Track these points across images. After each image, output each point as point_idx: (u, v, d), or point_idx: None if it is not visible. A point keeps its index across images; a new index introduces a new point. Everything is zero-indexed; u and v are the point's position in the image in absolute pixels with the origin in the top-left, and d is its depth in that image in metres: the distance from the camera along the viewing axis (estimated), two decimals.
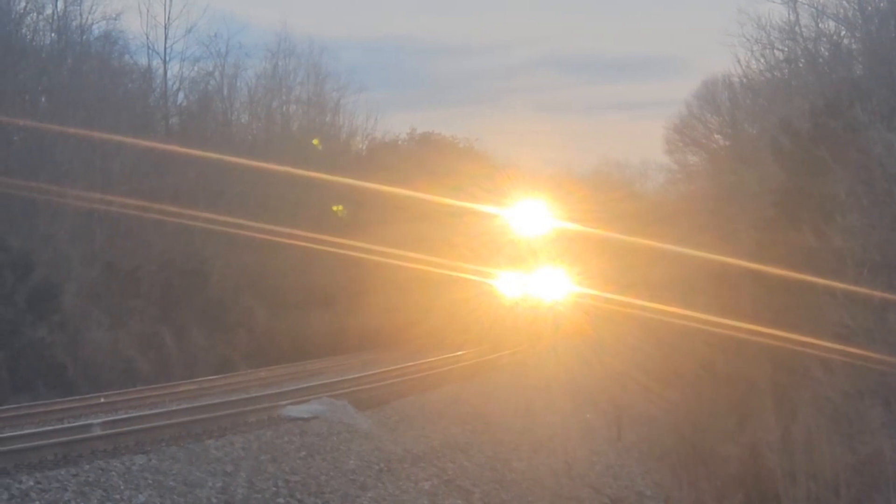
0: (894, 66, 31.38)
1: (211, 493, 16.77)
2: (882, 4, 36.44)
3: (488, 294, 40.44)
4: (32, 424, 20.51)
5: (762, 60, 45.42)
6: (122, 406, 24.25)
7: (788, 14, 42.22)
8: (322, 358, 37.03)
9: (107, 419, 20.67)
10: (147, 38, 45.31)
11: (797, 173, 29.26)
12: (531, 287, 42.16)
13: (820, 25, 40.75)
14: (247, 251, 39.79)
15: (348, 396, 24.88)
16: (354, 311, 38.73)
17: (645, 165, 66.46)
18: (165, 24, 45.50)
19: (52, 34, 42.15)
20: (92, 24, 42.45)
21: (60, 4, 41.31)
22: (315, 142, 44.93)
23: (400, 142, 53.39)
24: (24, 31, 40.69)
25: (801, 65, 42.35)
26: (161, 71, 46.54)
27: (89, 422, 20.20)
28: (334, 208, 42.04)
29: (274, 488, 17.93)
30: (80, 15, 41.97)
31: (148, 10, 48.85)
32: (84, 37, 42.72)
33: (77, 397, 25.85)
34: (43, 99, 41.19)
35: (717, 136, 52.62)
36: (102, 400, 24.92)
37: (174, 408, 22.85)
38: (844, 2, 38.32)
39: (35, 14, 40.95)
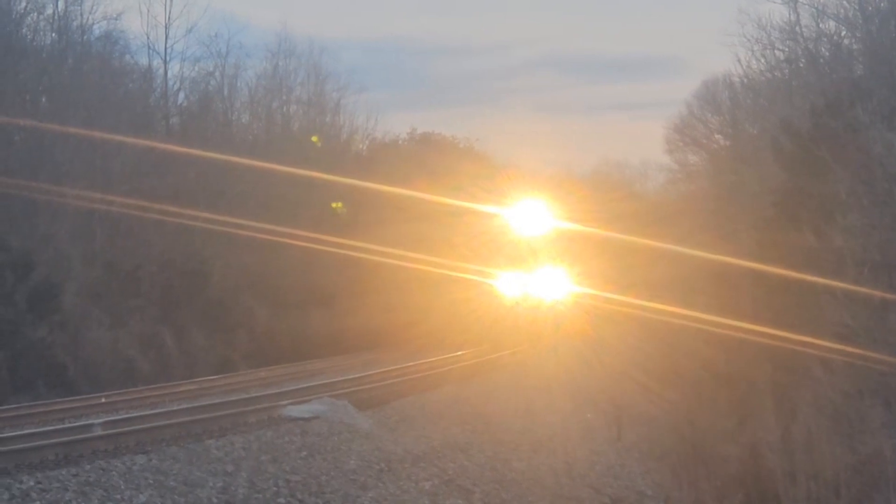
0: (895, 66, 31.38)
1: (211, 493, 16.78)
2: (882, 4, 36.45)
3: (488, 294, 40.45)
4: (33, 424, 20.52)
5: (763, 60, 45.45)
6: (122, 406, 24.26)
7: (789, 14, 42.24)
8: (322, 358, 37.03)
9: (107, 419, 20.68)
10: (147, 38, 45.37)
11: (798, 173, 29.27)
12: (531, 287, 42.16)
13: (820, 25, 40.77)
14: (247, 251, 39.79)
15: (349, 396, 24.89)
16: (355, 311, 38.71)
17: (645, 165, 66.51)
18: (166, 24, 45.55)
19: (53, 34, 42.19)
20: (92, 24, 42.51)
21: (61, 4, 41.38)
22: (314, 139, 44.93)
23: (400, 142, 53.47)
24: (24, 30, 40.68)
25: (801, 65, 42.34)
26: (161, 71, 46.62)
27: (90, 422, 20.21)
28: (333, 205, 42.07)
29: (274, 488, 17.94)
30: (81, 15, 42.03)
31: (148, 10, 48.95)
32: (85, 37, 42.74)
33: (77, 397, 25.84)
34: (43, 99, 41.19)
35: (717, 136, 52.65)
36: (103, 400, 24.92)
37: (175, 408, 22.86)
38: (845, 2, 38.35)
39: (35, 14, 40.99)
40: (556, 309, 41.21)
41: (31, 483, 14.91)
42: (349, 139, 55.78)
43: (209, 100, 48.99)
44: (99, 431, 18.80)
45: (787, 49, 43.43)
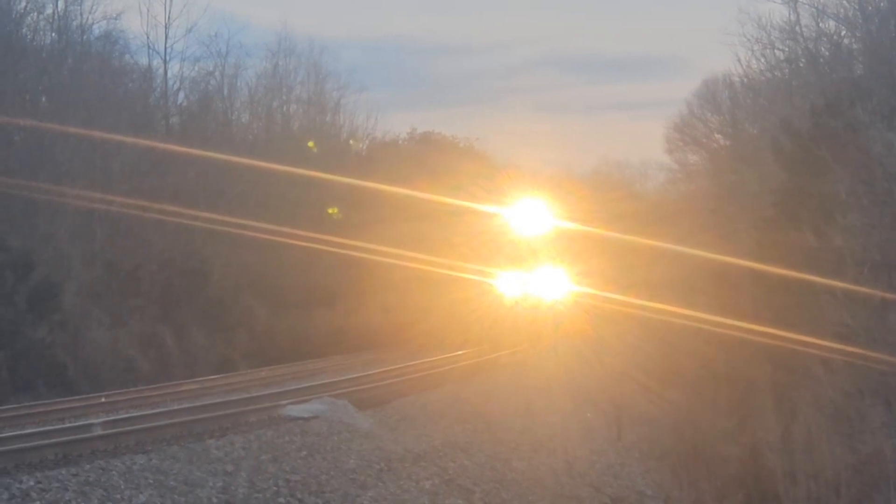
0: (895, 65, 31.39)
1: (212, 493, 16.79)
2: (882, 4, 36.45)
3: (488, 293, 40.42)
4: (33, 424, 20.52)
5: (763, 60, 45.47)
6: (122, 406, 24.25)
7: (789, 14, 42.26)
8: (322, 357, 37.01)
9: (107, 419, 20.69)
10: (147, 37, 45.36)
11: (797, 173, 29.27)
12: (531, 287, 42.14)
13: (820, 25, 40.78)
14: (247, 251, 39.79)
15: (349, 396, 24.89)
16: (355, 311, 38.74)
17: (645, 165, 66.48)
18: (166, 24, 45.53)
19: (53, 34, 42.19)
20: (92, 23, 42.50)
21: (61, 4, 41.38)
22: (310, 144, 44.89)
23: (400, 141, 53.42)
24: (24, 30, 40.69)
25: (801, 64, 42.35)
26: (161, 70, 46.61)
27: (90, 421, 20.21)
28: (329, 210, 42.03)
29: (275, 488, 17.95)
30: (81, 15, 42.03)
31: (148, 10, 48.94)
32: (84, 36, 42.73)
33: (77, 397, 25.85)
34: (43, 98, 41.18)
35: (717, 136, 52.67)
36: (103, 400, 24.92)
37: (175, 407, 22.86)
38: (845, 2, 38.37)
39: (35, 14, 41.00)
40: (556, 308, 41.20)
41: (31, 483, 14.91)
42: (349, 139, 55.78)
43: (209, 99, 48.99)
44: (99, 431, 18.81)
45: (787, 49, 43.48)
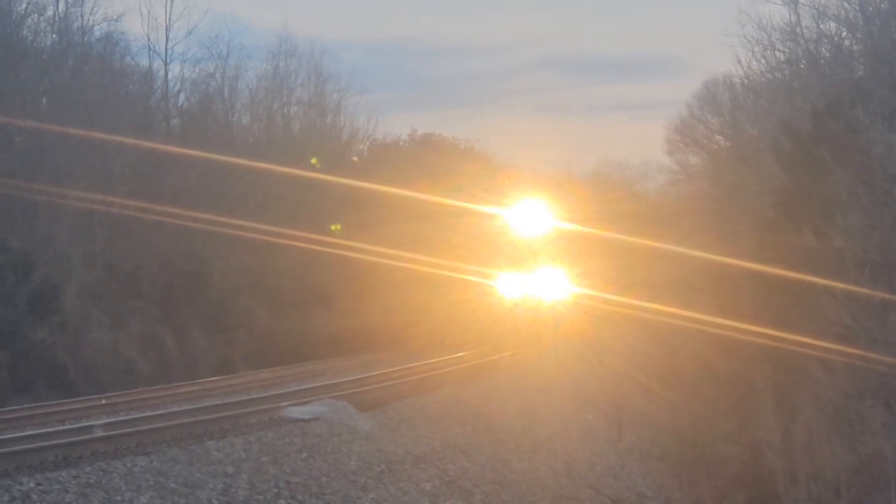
0: (895, 67, 31.38)
1: (212, 495, 16.80)
2: (883, 5, 36.44)
3: (488, 294, 40.43)
4: (33, 426, 20.51)
5: (763, 61, 45.42)
6: (123, 407, 24.25)
7: (789, 15, 42.20)
8: (322, 359, 37.02)
9: (108, 420, 20.69)
10: (148, 39, 45.33)
11: (798, 174, 29.29)
12: (531, 287, 42.15)
13: (821, 26, 40.74)
14: (247, 252, 39.80)
15: (349, 397, 24.88)
16: (355, 312, 38.69)
17: (645, 166, 66.50)
18: (166, 26, 45.49)
19: (54, 35, 42.19)
20: (93, 25, 42.49)
21: (62, 6, 41.35)
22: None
23: (401, 143, 53.43)
24: (25, 32, 40.70)
25: (802, 66, 42.33)
26: (162, 72, 46.59)
27: (90, 423, 20.22)
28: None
29: (275, 489, 17.96)
30: (82, 16, 42.02)
31: (149, 12, 48.80)
32: (85, 38, 42.73)
33: (78, 398, 25.83)
34: (44, 100, 41.18)
35: (717, 137, 52.63)
36: (103, 401, 24.92)
37: (175, 409, 22.85)
38: (845, 3, 38.30)
39: (36, 15, 41.00)
40: (556, 309, 41.20)
41: (32, 485, 14.92)
42: (350, 141, 55.81)
43: (210, 101, 48.99)
44: (99, 433, 18.81)
45: (787, 50, 43.45)
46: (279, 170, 39.94)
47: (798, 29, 41.97)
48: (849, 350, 23.78)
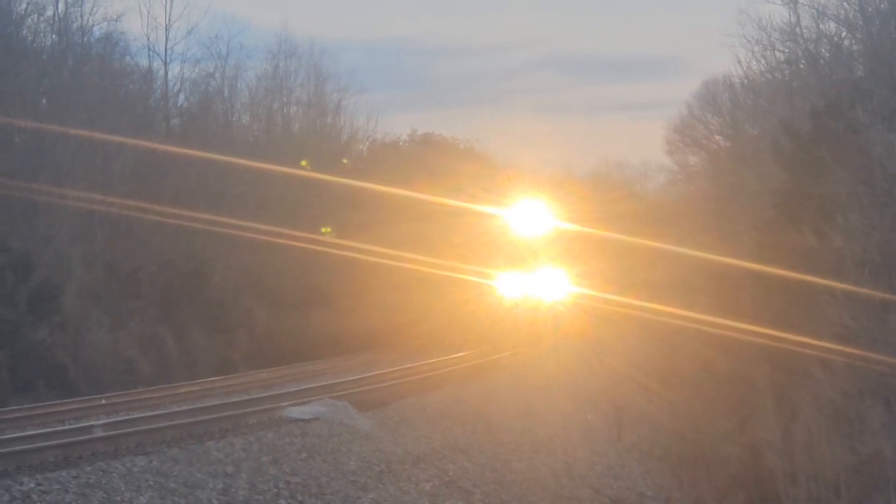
0: (895, 67, 31.38)
1: (212, 495, 16.80)
2: (883, 6, 36.45)
3: (488, 294, 40.43)
4: (33, 426, 20.52)
5: (763, 61, 45.45)
6: (123, 407, 24.25)
7: (789, 15, 42.22)
8: (322, 359, 37.02)
9: (108, 420, 20.69)
10: (148, 39, 45.35)
11: (798, 174, 29.30)
12: (531, 287, 42.15)
13: (821, 26, 40.76)
14: (247, 252, 39.80)
15: (349, 397, 24.88)
16: (354, 312, 38.68)
17: (645, 166, 66.55)
18: (166, 26, 45.52)
19: (53, 35, 42.19)
20: (93, 25, 42.49)
21: (61, 6, 41.36)
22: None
23: (400, 143, 53.44)
24: (24, 32, 40.69)
25: (801, 66, 42.34)
26: (162, 72, 46.60)
27: (90, 423, 20.22)
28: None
29: (275, 489, 17.96)
30: (81, 16, 42.02)
31: (149, 12, 48.80)
32: (85, 38, 42.73)
33: (78, 399, 25.83)
34: (44, 100, 41.18)
35: (717, 137, 52.66)
36: (103, 401, 24.92)
37: (175, 409, 22.86)
38: (845, 3, 38.31)
39: (36, 15, 40.99)
40: (556, 310, 41.21)
41: (32, 485, 14.92)
42: (349, 141, 55.83)
43: (209, 101, 48.99)
44: (99, 433, 18.81)
45: (787, 50, 43.47)
46: (279, 170, 39.96)
47: (798, 29, 42.02)
48: (849, 350, 23.80)
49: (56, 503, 14.67)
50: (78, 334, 32.59)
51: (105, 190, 35.32)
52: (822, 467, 25.12)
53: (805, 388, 26.03)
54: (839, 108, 28.20)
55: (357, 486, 19.49)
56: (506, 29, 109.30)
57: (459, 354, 35.99)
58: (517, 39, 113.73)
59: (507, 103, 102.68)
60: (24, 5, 39.94)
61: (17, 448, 16.83)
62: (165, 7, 45.99)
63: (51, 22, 41.51)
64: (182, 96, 48.32)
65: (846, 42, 39.59)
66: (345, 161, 49.30)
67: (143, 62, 46.14)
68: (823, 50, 40.95)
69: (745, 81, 47.84)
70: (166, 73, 46.61)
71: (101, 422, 20.32)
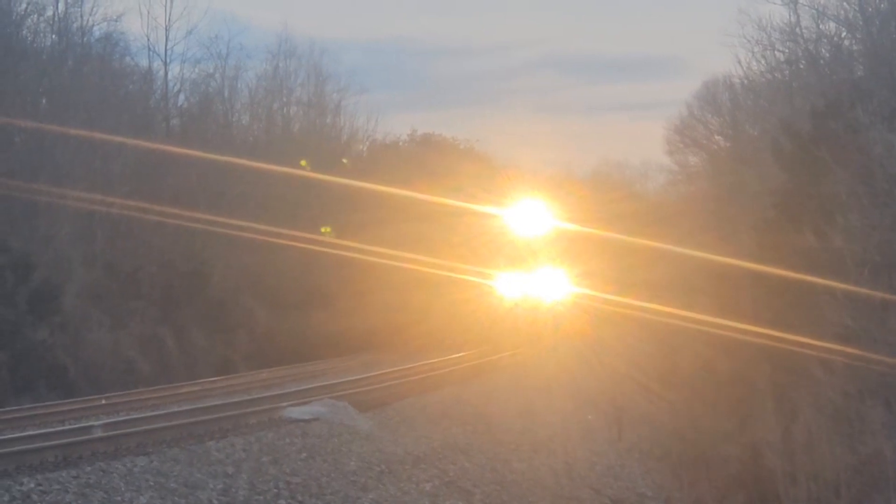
0: (895, 67, 31.39)
1: (212, 495, 16.79)
2: (883, 6, 36.46)
3: (488, 295, 40.44)
4: (33, 426, 20.51)
5: (763, 61, 45.47)
6: (123, 407, 24.25)
7: (789, 15, 42.24)
8: (322, 359, 37.02)
9: (108, 421, 20.68)
10: (148, 39, 45.39)
11: (798, 174, 29.31)
12: (531, 287, 42.16)
13: (821, 27, 40.77)
14: (247, 252, 39.81)
15: (349, 398, 24.88)
16: (354, 312, 38.69)
17: (645, 166, 66.61)
18: (166, 26, 45.56)
19: (53, 36, 42.20)
20: (93, 25, 42.51)
21: (61, 6, 41.37)
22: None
23: (400, 143, 53.45)
24: (24, 32, 40.70)
25: (801, 66, 42.35)
26: (162, 72, 46.64)
27: (90, 423, 20.21)
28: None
29: (275, 490, 17.96)
30: (81, 17, 42.03)
31: (149, 12, 48.83)
32: (85, 38, 42.74)
33: (78, 399, 25.83)
34: (44, 100, 41.18)
35: (717, 137, 52.67)
36: (103, 401, 24.92)
37: (175, 409, 22.85)
38: (845, 3, 38.32)
39: (36, 16, 41.00)
40: (556, 310, 41.22)
41: (32, 485, 14.91)
42: (349, 141, 55.84)
43: (209, 101, 49.01)
44: (99, 433, 18.80)
45: (787, 50, 43.48)
46: (279, 170, 39.97)
47: (798, 29, 42.03)
48: (849, 350, 23.80)
49: (56, 503, 14.68)
50: (78, 334, 32.60)
51: (105, 190, 35.32)
52: (823, 467, 25.12)
53: (805, 388, 26.03)
54: (839, 109, 28.21)
55: (357, 486, 19.49)
56: (506, 29, 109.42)
57: (459, 354, 36.00)
58: (517, 39, 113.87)
59: (507, 103, 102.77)
60: (24, 5, 40.00)
61: (17, 448, 16.82)
62: (165, 7, 46.06)
63: (51, 22, 41.57)
64: (182, 96, 48.42)
65: (846, 42, 39.63)
66: (345, 161, 49.32)
67: (143, 62, 46.24)
68: (823, 50, 40.97)
69: (746, 81, 47.91)
70: (166, 74, 46.71)
71: (101, 422, 20.31)
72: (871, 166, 25.76)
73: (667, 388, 32.46)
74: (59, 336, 31.57)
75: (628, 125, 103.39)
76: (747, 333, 26.37)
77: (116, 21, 43.04)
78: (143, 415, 22.10)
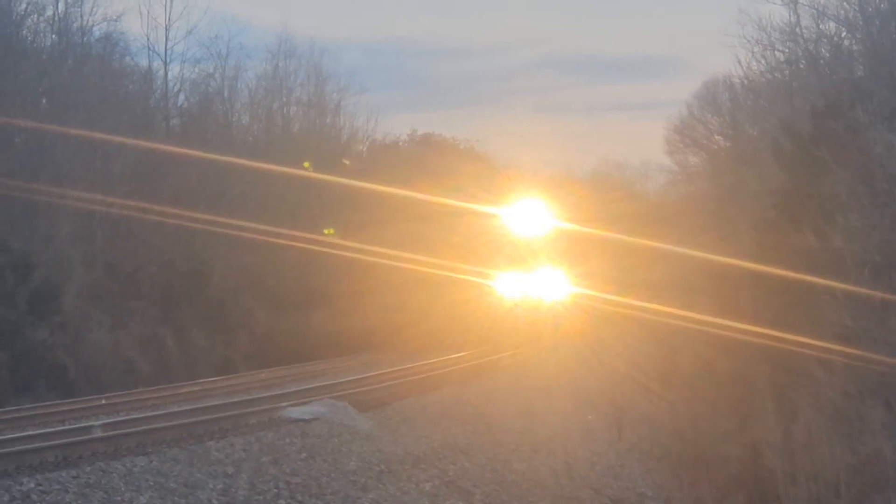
0: (895, 67, 31.39)
1: (212, 495, 16.79)
2: (883, 6, 36.47)
3: (488, 294, 40.43)
4: (33, 426, 20.51)
5: (763, 61, 45.49)
6: (122, 407, 24.25)
7: (789, 15, 42.25)
8: (322, 359, 37.02)
9: (108, 421, 20.68)
10: (148, 39, 45.42)
11: (798, 174, 29.30)
12: (531, 287, 42.16)
13: (821, 27, 40.78)
14: (247, 252, 39.80)
15: (349, 398, 24.88)
16: (354, 312, 38.69)
17: (645, 166, 66.62)
18: (166, 26, 45.58)
19: (53, 36, 42.21)
20: (93, 25, 42.53)
21: (61, 6, 41.39)
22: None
23: (400, 143, 53.46)
24: (24, 32, 40.71)
25: (801, 66, 42.35)
26: (162, 72, 46.66)
27: (90, 423, 20.21)
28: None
29: (275, 490, 17.96)
30: (81, 16, 42.05)
31: (148, 12, 48.88)
32: (85, 38, 42.75)
33: (78, 399, 25.83)
34: (44, 100, 41.19)
35: (717, 137, 52.69)
36: (103, 402, 24.92)
37: (175, 409, 22.85)
38: (845, 3, 38.33)
39: (36, 16, 41.01)
40: (556, 309, 41.21)
41: (32, 485, 14.91)
42: (349, 141, 55.85)
43: (209, 101, 49.01)
44: (99, 433, 18.80)
45: (787, 50, 43.49)
46: (279, 170, 39.96)
47: (798, 29, 42.03)
48: (849, 350, 23.80)
49: (56, 503, 14.68)
50: (78, 334, 32.60)
51: (105, 190, 35.32)
52: (823, 467, 25.13)
53: (805, 388, 26.03)
54: (839, 109, 28.20)
55: (357, 486, 19.49)
56: (506, 29, 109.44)
57: (459, 354, 35.99)
58: (517, 40, 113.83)
59: (508, 103, 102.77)
60: (24, 5, 40.01)
61: (17, 448, 16.82)
62: (165, 7, 46.09)
63: (51, 22, 41.58)
64: (182, 96, 48.45)
65: (846, 42, 39.63)
66: (347, 162, 49.35)
67: (143, 62, 46.26)
68: (823, 50, 40.97)
69: (745, 81, 47.92)
70: (166, 74, 46.73)
71: (100, 422, 20.31)
72: (871, 166, 25.76)
73: (667, 388, 32.47)
74: (59, 336, 31.57)
75: (628, 125, 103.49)
76: (747, 333, 26.37)
77: (116, 21, 43.13)
78: (142, 415, 22.09)
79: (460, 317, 38.68)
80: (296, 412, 22.56)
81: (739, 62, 47.11)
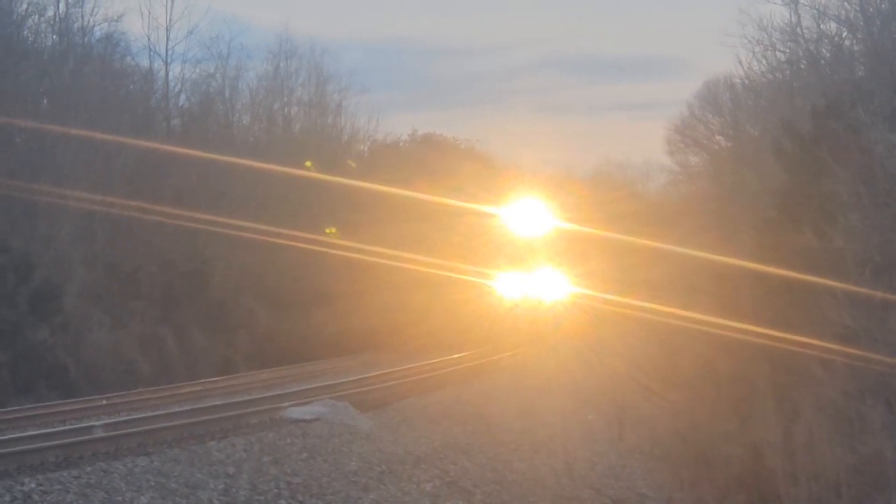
0: (895, 67, 31.37)
1: (213, 495, 16.80)
2: (884, 6, 36.44)
3: (488, 294, 40.45)
4: (34, 426, 20.53)
5: (763, 61, 45.45)
6: (123, 408, 24.27)
7: (790, 15, 42.21)
8: (323, 359, 37.05)
9: (108, 421, 20.71)
10: (149, 39, 45.47)
11: (798, 174, 29.28)
12: (531, 287, 42.16)
13: (821, 27, 40.75)
14: (248, 252, 39.82)
15: (350, 398, 24.90)
16: (355, 312, 38.74)
17: (646, 166, 66.53)
18: (167, 26, 45.62)
19: (54, 36, 42.25)
20: (93, 25, 42.58)
21: (62, 6, 41.42)
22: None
23: (401, 143, 53.51)
24: (25, 32, 40.77)
25: (802, 66, 42.33)
26: (162, 73, 46.72)
27: (91, 423, 20.23)
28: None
29: (276, 490, 17.97)
30: (82, 17, 42.10)
31: (149, 12, 48.90)
32: (86, 39, 42.80)
33: (79, 399, 25.86)
34: (44, 100, 41.23)
35: (718, 137, 52.67)
36: (104, 402, 24.94)
37: (176, 409, 22.87)
38: (846, 3, 38.30)
39: (37, 16, 41.05)
40: (557, 309, 41.22)
41: (33, 485, 14.93)
42: (350, 141, 55.87)
43: (210, 101, 49.05)
44: (100, 433, 18.83)
45: (788, 50, 43.48)
46: (280, 170, 39.98)
47: (798, 29, 42.00)
48: (849, 350, 23.77)
49: (57, 503, 14.68)
50: (79, 334, 32.62)
51: (106, 190, 35.33)
52: (823, 467, 25.11)
53: (806, 388, 26.01)
54: (840, 109, 28.17)
55: (358, 486, 19.49)
56: (506, 29, 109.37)
57: (460, 355, 36.01)
58: (518, 39, 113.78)
59: (508, 103, 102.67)
60: (24, 6, 40.05)
61: (18, 448, 16.85)
62: (166, 7, 46.12)
63: (51, 22, 41.61)
64: (183, 97, 48.50)
65: (847, 42, 39.60)
66: (352, 164, 49.38)
67: (144, 63, 46.31)
68: (824, 50, 40.94)
69: (746, 81, 47.89)
70: (167, 74, 46.79)
71: (101, 422, 20.34)
72: (872, 166, 25.73)
73: (667, 388, 32.44)
74: (60, 336, 31.60)
75: (629, 125, 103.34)
76: (748, 333, 26.34)
77: (117, 21, 43.18)
78: (143, 415, 22.12)
79: (461, 317, 38.70)
80: (297, 412, 22.58)
81: (740, 62, 47.13)
